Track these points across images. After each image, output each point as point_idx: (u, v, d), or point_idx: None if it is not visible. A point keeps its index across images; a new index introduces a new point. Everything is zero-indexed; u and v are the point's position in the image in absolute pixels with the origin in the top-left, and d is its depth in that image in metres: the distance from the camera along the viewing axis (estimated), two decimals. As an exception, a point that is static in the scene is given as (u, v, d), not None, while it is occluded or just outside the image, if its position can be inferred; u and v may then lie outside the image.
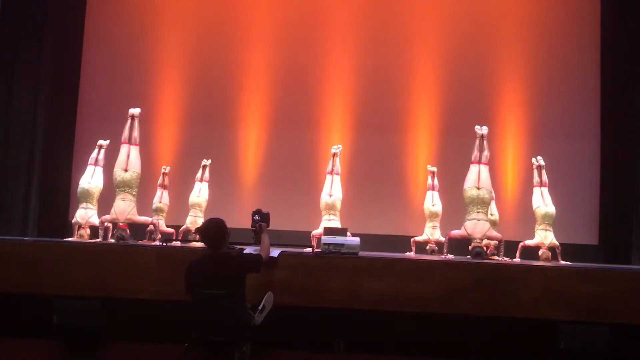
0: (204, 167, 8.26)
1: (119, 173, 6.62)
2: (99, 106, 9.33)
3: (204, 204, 8.03)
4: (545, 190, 7.45)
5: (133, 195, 6.60)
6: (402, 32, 9.41)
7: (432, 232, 7.81)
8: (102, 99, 9.35)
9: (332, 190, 7.37)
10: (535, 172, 7.59)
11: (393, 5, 9.52)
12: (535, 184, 7.55)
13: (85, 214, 7.10)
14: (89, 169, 7.42)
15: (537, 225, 7.29)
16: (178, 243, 7.26)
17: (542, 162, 7.56)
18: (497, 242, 6.78)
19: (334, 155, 7.57)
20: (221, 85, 9.38)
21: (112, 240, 6.58)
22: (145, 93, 9.35)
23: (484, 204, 6.50)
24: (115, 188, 6.67)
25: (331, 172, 7.48)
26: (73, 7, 9.29)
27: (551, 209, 7.29)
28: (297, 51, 9.41)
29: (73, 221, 7.23)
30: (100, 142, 7.59)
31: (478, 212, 6.46)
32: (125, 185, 6.56)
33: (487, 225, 6.47)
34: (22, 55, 8.78)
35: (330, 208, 7.29)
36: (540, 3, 9.37)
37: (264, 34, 9.44)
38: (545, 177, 7.51)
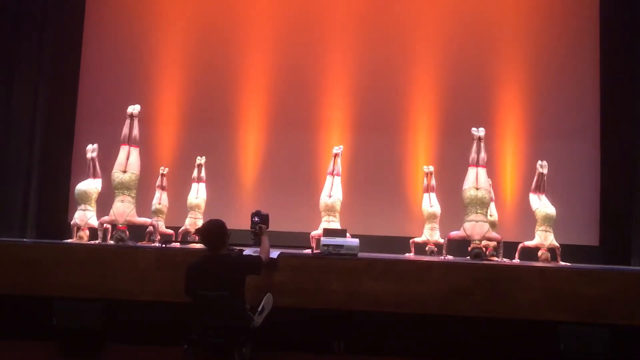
0: (199, 165, 8.21)
1: (117, 175, 6.61)
2: (98, 107, 9.32)
3: (202, 205, 8.03)
4: (543, 197, 7.44)
5: (132, 196, 6.60)
6: (402, 33, 9.41)
7: (431, 234, 7.81)
8: (101, 100, 9.34)
9: (332, 192, 7.36)
10: (535, 178, 7.54)
11: (392, 6, 9.51)
12: (532, 189, 7.51)
13: (84, 216, 7.10)
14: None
15: (537, 227, 7.29)
16: (177, 244, 7.25)
17: (545, 171, 7.51)
18: (496, 243, 6.79)
19: (335, 155, 7.56)
20: (220, 86, 9.37)
21: (112, 242, 6.58)
22: (144, 94, 9.32)
23: (483, 205, 6.50)
24: (114, 189, 6.67)
25: (332, 173, 7.48)
26: (72, 8, 9.28)
27: (551, 210, 7.29)
28: (296, 52, 9.41)
29: (72, 223, 7.24)
30: (88, 149, 7.53)
31: (477, 213, 6.46)
32: (123, 187, 6.56)
33: (487, 226, 6.47)
34: (21, 57, 8.77)
35: (330, 209, 7.28)
36: (540, 4, 9.37)
37: (263, 35, 9.44)
38: (544, 184, 7.48)
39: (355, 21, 9.43)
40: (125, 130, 6.81)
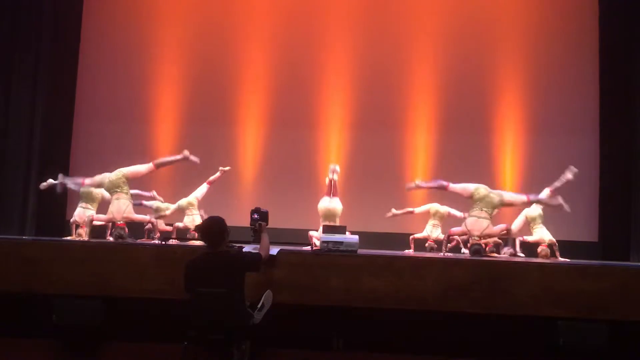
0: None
1: (106, 175, 6.69)
2: (96, 105, 9.32)
3: (194, 201, 7.92)
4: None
5: (126, 193, 6.63)
6: (401, 30, 9.40)
7: (432, 230, 7.81)
8: (99, 98, 9.34)
9: (332, 202, 7.26)
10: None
11: (392, 3, 9.50)
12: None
13: (84, 213, 7.11)
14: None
15: (533, 225, 7.32)
16: (173, 241, 7.24)
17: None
18: (495, 239, 6.82)
19: (332, 180, 7.27)
20: (219, 83, 9.37)
21: (110, 239, 6.60)
22: (142, 92, 9.35)
23: (489, 205, 6.49)
24: (108, 191, 6.72)
25: (330, 194, 7.30)
26: (70, 6, 9.26)
27: (538, 209, 7.30)
28: (295, 49, 9.40)
29: (71, 220, 7.25)
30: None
31: (481, 210, 6.48)
32: (114, 186, 6.61)
33: (486, 222, 6.48)
34: (20, 56, 8.76)
35: (331, 214, 7.13)
36: (540, 2, 9.36)
37: (262, 32, 9.43)
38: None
39: (355, 18, 9.42)
40: None
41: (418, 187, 7.18)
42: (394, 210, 8.08)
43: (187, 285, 4.26)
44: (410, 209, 8.11)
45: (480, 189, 6.55)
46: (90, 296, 5.05)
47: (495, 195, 6.53)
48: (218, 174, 7.98)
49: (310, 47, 9.41)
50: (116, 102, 9.31)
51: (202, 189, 7.94)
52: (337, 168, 7.44)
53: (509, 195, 6.65)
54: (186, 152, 7.00)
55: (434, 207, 7.92)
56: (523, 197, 6.81)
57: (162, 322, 5.04)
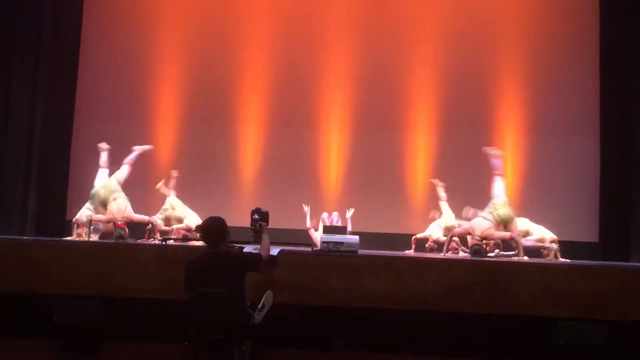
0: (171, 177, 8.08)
1: (99, 187, 6.78)
2: (97, 105, 9.31)
3: (183, 209, 7.88)
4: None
5: (120, 191, 6.68)
6: (402, 29, 9.39)
7: (434, 230, 7.80)
8: (99, 98, 9.32)
9: None
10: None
11: (392, 3, 9.50)
12: None
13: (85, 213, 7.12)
14: (102, 172, 7.45)
15: (531, 225, 7.32)
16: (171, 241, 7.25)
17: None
18: (497, 241, 6.83)
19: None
20: (219, 83, 9.36)
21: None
22: (142, 92, 9.34)
23: (499, 211, 6.50)
24: (106, 197, 6.77)
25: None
26: (70, 6, 9.26)
27: (526, 223, 7.23)
28: (295, 49, 9.39)
29: (73, 220, 7.27)
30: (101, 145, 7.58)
31: (490, 213, 6.50)
32: (111, 186, 6.68)
33: (488, 224, 6.49)
34: (20, 56, 8.74)
35: None
36: (541, 2, 9.36)
37: (262, 32, 9.42)
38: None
39: (355, 18, 9.40)
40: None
41: (487, 154, 6.99)
42: (435, 180, 8.03)
43: (187, 286, 4.27)
44: (444, 195, 7.92)
45: (501, 198, 6.59)
46: (90, 296, 5.05)
47: (508, 210, 6.54)
48: (168, 182, 8.00)
49: (310, 47, 9.39)
50: (116, 102, 9.30)
51: (172, 198, 7.92)
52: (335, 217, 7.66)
53: (514, 226, 6.65)
54: (137, 147, 7.44)
55: (448, 212, 7.86)
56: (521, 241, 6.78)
57: (162, 322, 5.05)
